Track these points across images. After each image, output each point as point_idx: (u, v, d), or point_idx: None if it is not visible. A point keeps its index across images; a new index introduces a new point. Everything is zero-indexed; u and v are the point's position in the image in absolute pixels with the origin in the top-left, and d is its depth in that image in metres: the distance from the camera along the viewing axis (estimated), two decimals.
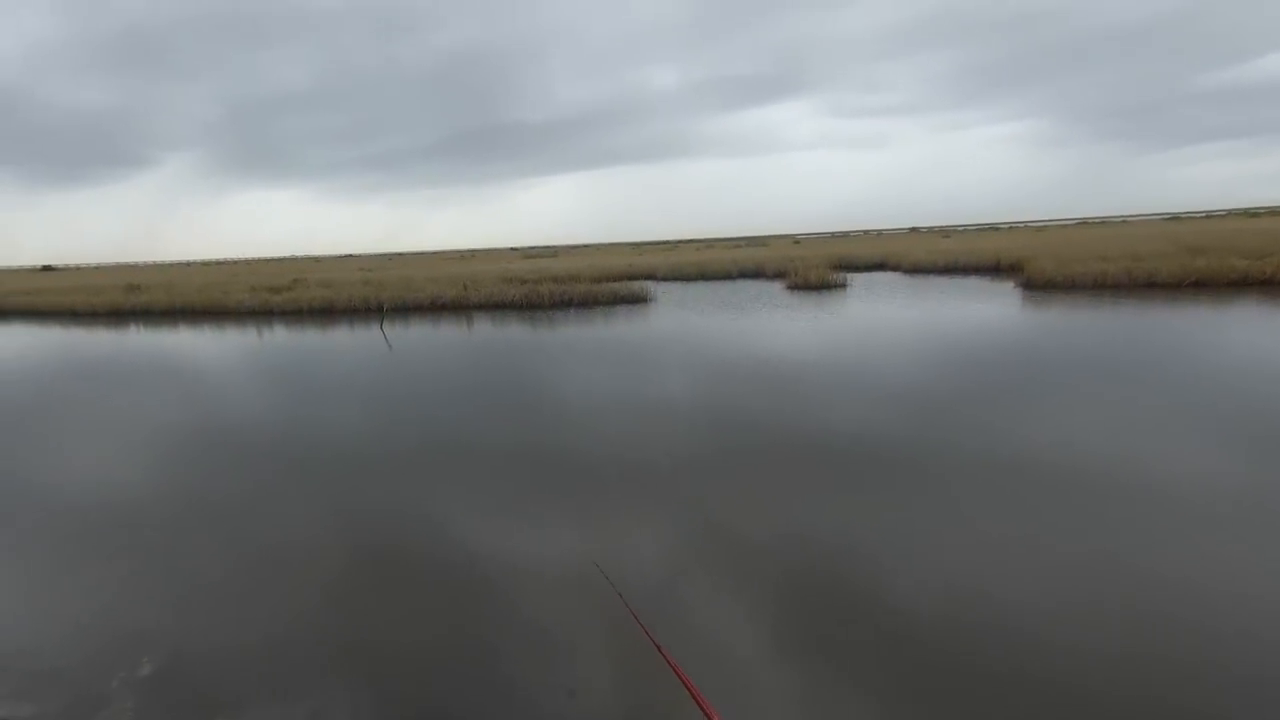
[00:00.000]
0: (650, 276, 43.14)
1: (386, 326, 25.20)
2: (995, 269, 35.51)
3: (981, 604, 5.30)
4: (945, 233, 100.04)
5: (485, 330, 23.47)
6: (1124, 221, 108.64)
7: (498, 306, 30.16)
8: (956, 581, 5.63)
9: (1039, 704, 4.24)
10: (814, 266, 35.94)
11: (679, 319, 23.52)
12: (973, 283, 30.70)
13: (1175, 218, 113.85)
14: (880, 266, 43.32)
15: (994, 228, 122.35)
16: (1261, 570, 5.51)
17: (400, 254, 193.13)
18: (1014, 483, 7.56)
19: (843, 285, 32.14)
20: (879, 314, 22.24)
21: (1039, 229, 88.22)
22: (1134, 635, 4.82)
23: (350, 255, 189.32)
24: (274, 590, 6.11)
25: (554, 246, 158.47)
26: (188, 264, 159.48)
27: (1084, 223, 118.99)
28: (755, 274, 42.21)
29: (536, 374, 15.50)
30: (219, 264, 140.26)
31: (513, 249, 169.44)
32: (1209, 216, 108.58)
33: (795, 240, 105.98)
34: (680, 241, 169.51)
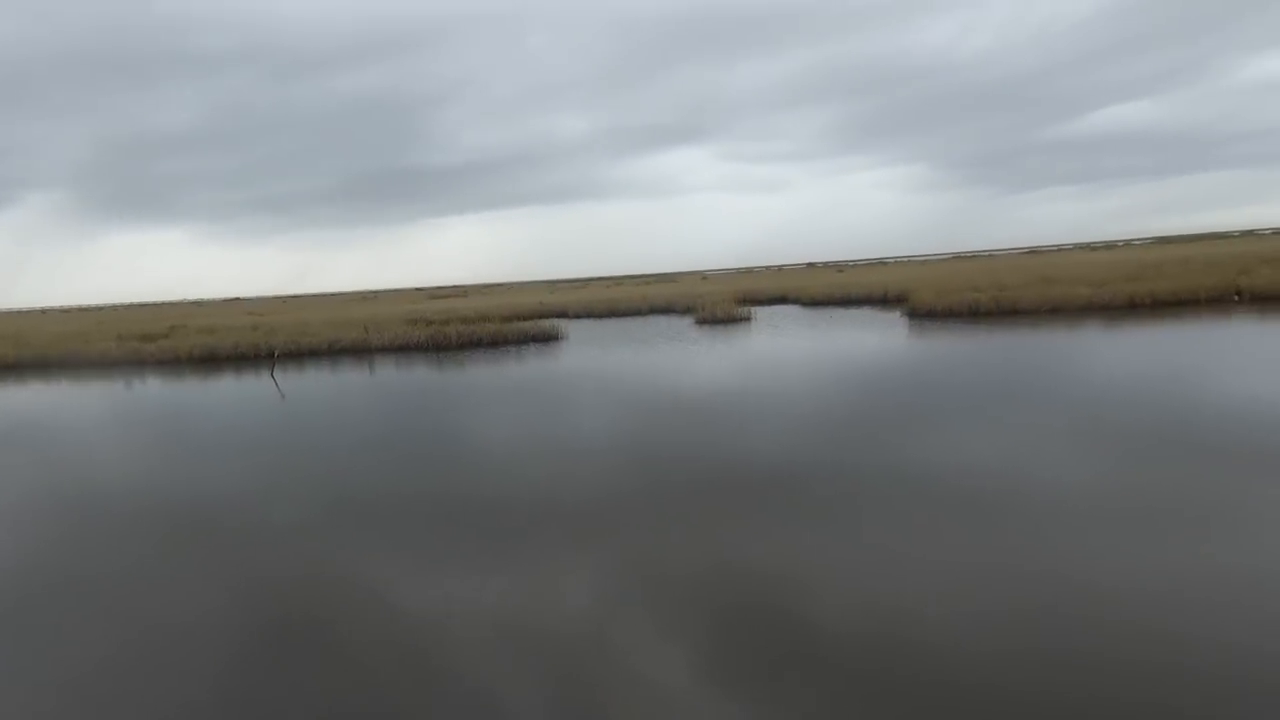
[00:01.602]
0: (562, 314, 43.10)
1: (278, 374, 23.59)
2: (884, 299, 38.20)
3: (899, 616, 5.51)
4: (839, 268, 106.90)
5: (389, 374, 22.48)
6: (991, 255, 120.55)
7: (402, 349, 29.03)
8: (874, 597, 5.84)
9: (960, 706, 4.43)
10: (721, 301, 37.24)
11: (591, 356, 23.55)
12: (865, 313, 32.85)
13: (1033, 251, 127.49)
14: (782, 299, 45.53)
15: (882, 262, 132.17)
16: (1140, 563, 6.09)
17: (296, 297, 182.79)
18: (916, 499, 7.99)
19: (748, 319, 33.43)
20: (783, 345, 23.26)
21: (920, 263, 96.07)
22: (1038, 634, 5.15)
23: (237, 299, 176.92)
24: (160, 673, 5.41)
25: (463, 286, 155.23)
26: (43, 312, 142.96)
27: (958, 257, 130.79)
28: (666, 310, 43.17)
29: (445, 417, 14.95)
30: (84, 311, 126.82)
31: (419, 289, 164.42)
32: (1059, 250, 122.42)
33: (703, 276, 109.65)
34: (591, 279, 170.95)
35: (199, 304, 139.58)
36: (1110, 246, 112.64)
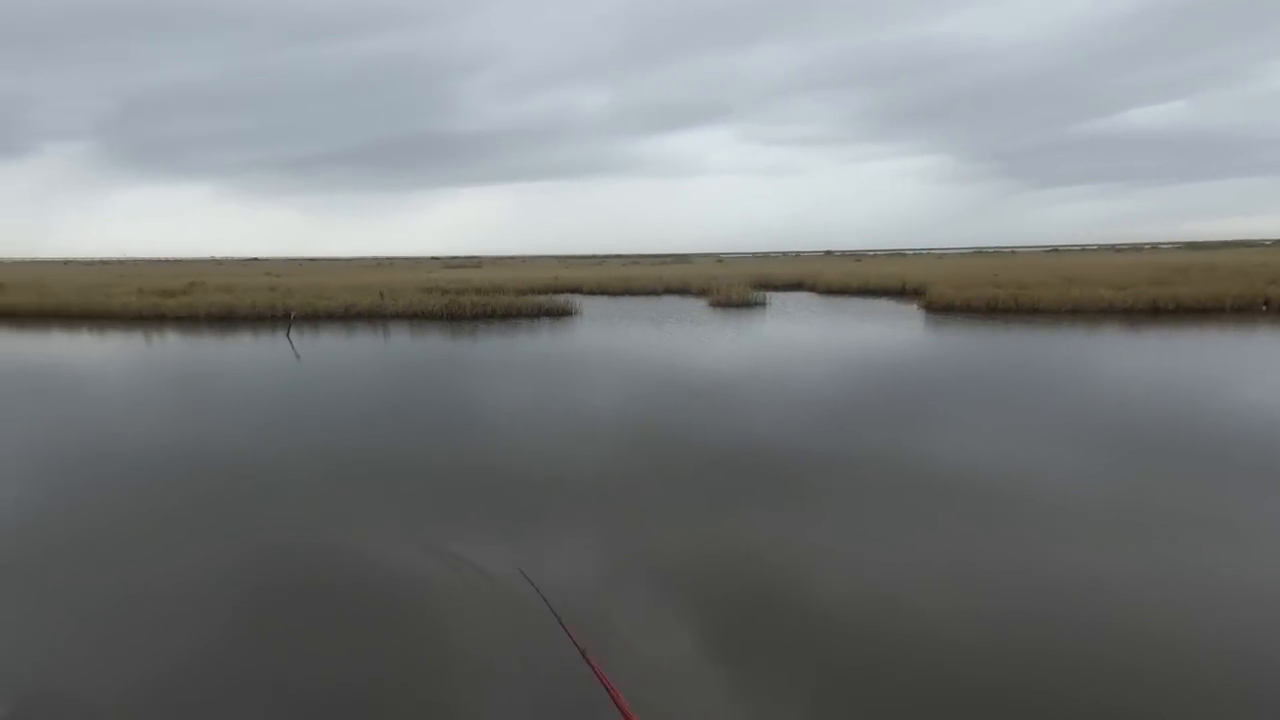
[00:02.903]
0: (576, 290, 43.07)
1: (294, 335, 23.85)
2: (901, 292, 37.81)
3: (894, 607, 5.59)
4: (857, 257, 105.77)
5: (403, 341, 22.65)
6: (1012, 252, 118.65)
7: (417, 316, 29.20)
8: (871, 587, 5.92)
9: (945, 697, 4.51)
10: (736, 285, 37.02)
11: (605, 333, 23.59)
12: (882, 304, 32.57)
13: (1055, 250, 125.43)
14: (798, 286, 45.18)
15: (900, 254, 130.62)
16: (1138, 569, 6.11)
17: (313, 259, 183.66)
18: (921, 493, 8.03)
19: (763, 303, 33.27)
20: (797, 332, 23.17)
21: (939, 256, 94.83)
22: (1036, 633, 5.22)
23: (255, 259, 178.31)
24: (172, 625, 5.61)
25: (478, 257, 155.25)
26: (66, 263, 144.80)
27: (978, 252, 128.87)
28: (680, 291, 43.00)
29: (458, 387, 15.10)
30: (104, 264, 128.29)
31: (434, 258, 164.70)
32: (1083, 250, 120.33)
33: (719, 259, 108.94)
34: (607, 256, 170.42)
35: (218, 262, 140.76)
36: (1135, 249, 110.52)
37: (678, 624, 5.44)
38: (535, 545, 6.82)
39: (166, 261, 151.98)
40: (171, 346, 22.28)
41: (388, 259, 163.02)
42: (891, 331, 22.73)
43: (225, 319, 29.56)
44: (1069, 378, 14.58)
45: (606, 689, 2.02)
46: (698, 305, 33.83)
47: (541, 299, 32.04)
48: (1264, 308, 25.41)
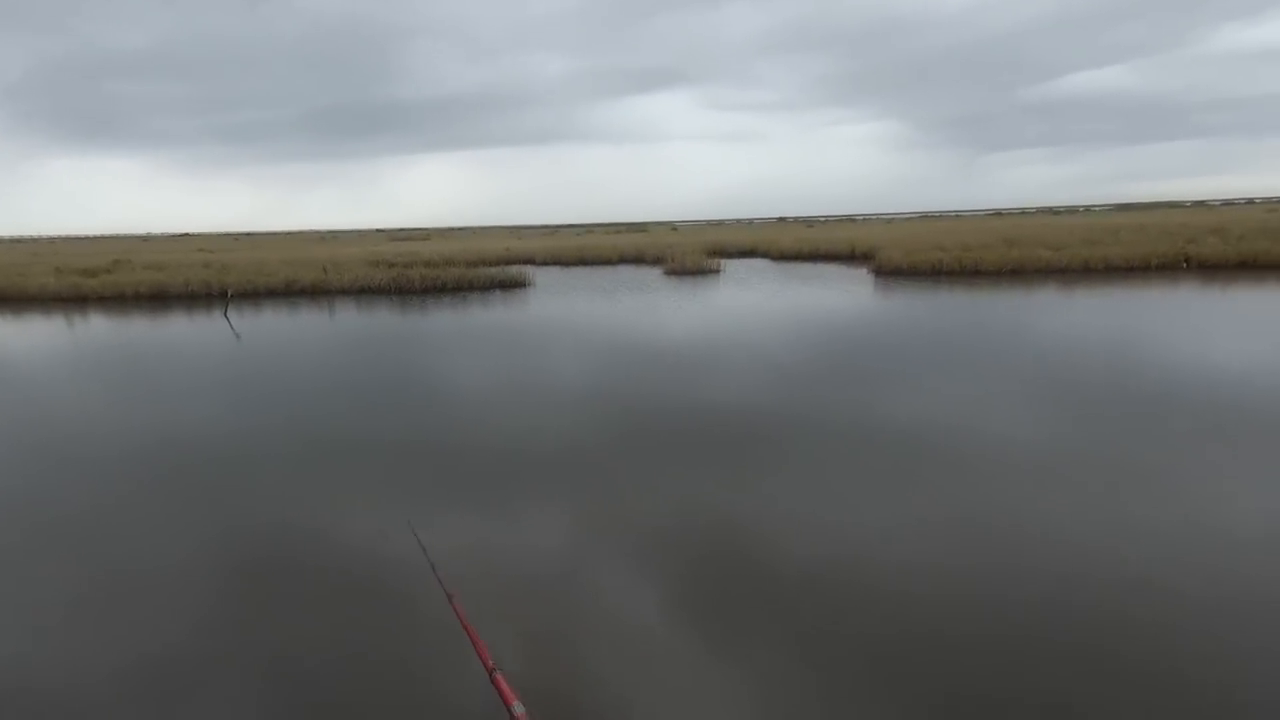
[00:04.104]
0: (529, 261, 42.33)
1: (232, 314, 22.76)
2: (851, 256, 38.50)
3: (857, 563, 5.77)
4: (809, 223, 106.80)
5: (350, 317, 21.91)
6: (958, 216, 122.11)
7: (363, 291, 28.25)
8: (834, 544, 6.08)
9: (909, 648, 4.70)
10: (691, 253, 37.01)
11: (556, 304, 23.31)
12: (832, 269, 33.10)
13: (998, 213, 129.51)
14: (752, 253, 45.50)
15: (851, 219, 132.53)
16: (1087, 516, 6.45)
17: (252, 235, 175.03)
18: (880, 451, 8.26)
19: (717, 271, 33.38)
20: (751, 298, 23.37)
21: (888, 221, 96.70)
22: (987, 583, 5.46)
23: (188, 235, 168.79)
24: (126, 611, 5.35)
25: (426, 229, 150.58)
26: None
27: (925, 216, 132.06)
28: (635, 259, 42.75)
29: (409, 362, 14.72)
30: (19, 242, 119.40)
31: (380, 231, 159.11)
32: (1024, 213, 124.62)
33: (674, 227, 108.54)
34: (561, 226, 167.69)
35: (145, 239, 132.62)
36: (1073, 211, 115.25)
37: (657, 585, 5.49)
38: (511, 516, 6.75)
39: (87, 239, 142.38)
40: (99, 329, 20.99)
41: (331, 234, 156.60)
42: (843, 295, 23.17)
43: (156, 298, 27.98)
44: (1012, 336, 15.17)
45: (468, 635, 2.05)
46: (653, 274, 33.72)
47: (493, 271, 31.38)
48: (1185, 265, 26.93)
